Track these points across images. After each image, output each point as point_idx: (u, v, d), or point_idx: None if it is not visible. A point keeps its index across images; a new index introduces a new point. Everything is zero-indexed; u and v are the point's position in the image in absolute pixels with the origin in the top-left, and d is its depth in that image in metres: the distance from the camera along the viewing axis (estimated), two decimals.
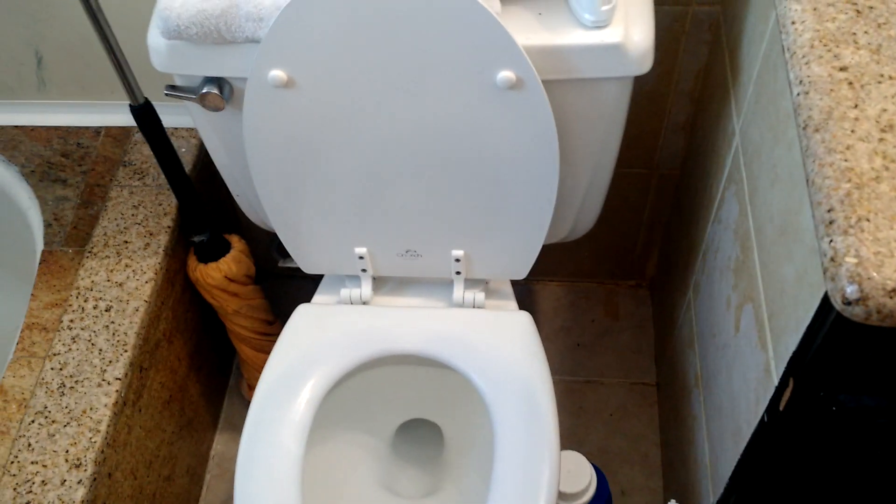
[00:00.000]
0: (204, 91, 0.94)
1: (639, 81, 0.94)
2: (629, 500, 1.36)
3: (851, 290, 0.50)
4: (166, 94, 0.96)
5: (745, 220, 0.90)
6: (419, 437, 1.25)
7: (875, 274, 0.49)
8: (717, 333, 1.02)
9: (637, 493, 1.37)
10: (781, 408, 0.76)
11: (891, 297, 0.49)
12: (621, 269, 1.59)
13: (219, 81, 0.95)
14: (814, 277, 0.67)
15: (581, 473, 1.11)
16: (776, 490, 0.89)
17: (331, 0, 0.82)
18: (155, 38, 0.92)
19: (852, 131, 0.56)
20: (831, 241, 0.52)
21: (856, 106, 0.57)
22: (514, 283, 1.15)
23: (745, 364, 0.88)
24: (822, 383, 0.71)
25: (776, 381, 0.77)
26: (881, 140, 0.55)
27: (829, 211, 0.53)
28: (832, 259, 0.51)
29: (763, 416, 0.80)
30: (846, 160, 0.54)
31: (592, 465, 1.13)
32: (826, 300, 0.63)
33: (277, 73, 0.88)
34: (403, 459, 1.22)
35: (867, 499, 0.87)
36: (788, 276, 0.74)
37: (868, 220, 0.51)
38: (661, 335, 1.47)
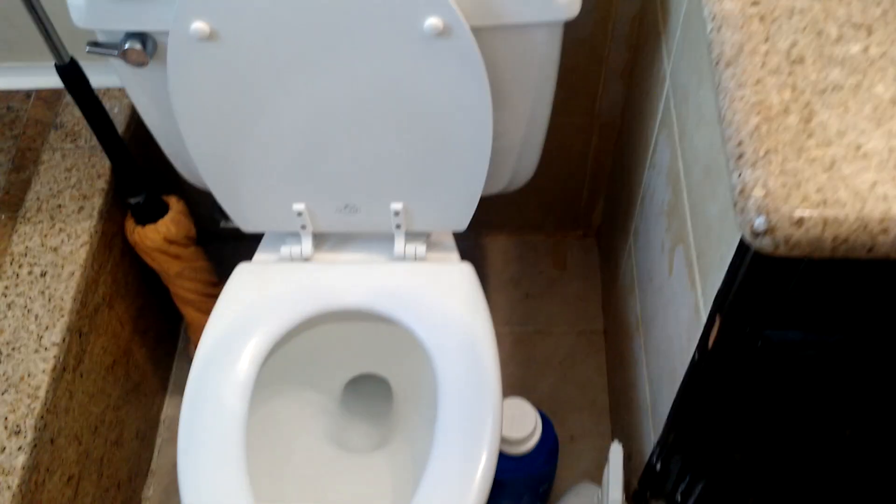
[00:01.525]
0: (126, 47, 0.91)
1: (573, 28, 0.93)
2: (578, 444, 1.39)
3: (759, 222, 0.50)
4: (88, 51, 0.94)
5: (675, 163, 0.91)
6: (368, 393, 1.25)
7: (782, 205, 0.50)
8: (654, 277, 1.03)
9: (586, 438, 1.40)
10: (710, 345, 0.77)
11: (798, 227, 0.50)
12: (568, 219, 1.60)
13: (142, 36, 0.92)
14: (734, 214, 0.67)
15: (525, 419, 1.12)
16: (712, 425, 0.91)
17: None
18: None
19: (762, 65, 0.56)
20: (740, 174, 0.53)
21: (766, 40, 0.57)
22: (462, 237, 1.15)
23: (677, 305, 0.90)
24: (747, 319, 0.72)
25: (704, 319, 0.78)
26: (790, 73, 0.56)
27: (738, 145, 0.54)
28: (741, 192, 0.52)
29: (694, 355, 0.82)
30: (756, 94, 0.55)
31: (538, 410, 1.14)
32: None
33: (199, 26, 0.86)
34: (352, 414, 1.23)
35: (798, 431, 0.89)
36: (713, 215, 0.75)
37: (776, 151, 0.52)
38: (607, 283, 1.49)
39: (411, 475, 1.12)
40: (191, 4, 0.84)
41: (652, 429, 1.05)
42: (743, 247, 0.66)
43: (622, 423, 1.29)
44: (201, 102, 0.94)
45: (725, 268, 0.70)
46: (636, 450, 1.14)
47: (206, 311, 1.34)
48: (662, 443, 1.00)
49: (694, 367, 0.83)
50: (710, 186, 0.75)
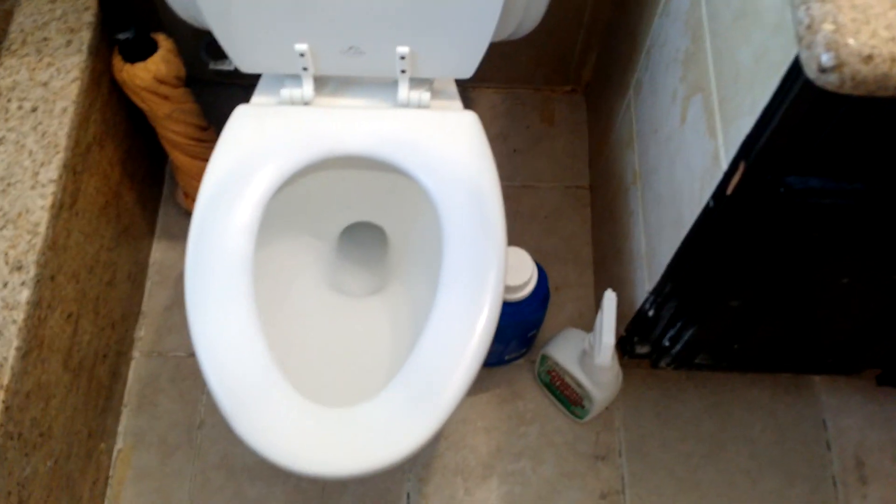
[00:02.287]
0: None
1: None
2: (563, 294, 1.43)
3: (827, 58, 0.51)
4: None
5: (697, 8, 0.90)
6: (363, 240, 1.26)
7: (851, 40, 0.50)
8: (660, 128, 1.04)
9: (570, 289, 1.43)
10: (729, 192, 0.79)
11: (866, 63, 0.50)
12: (558, 74, 1.58)
13: None
14: (774, 57, 0.67)
15: (523, 267, 1.14)
16: (714, 273, 0.94)
17: None
18: None
19: None
20: (808, 8, 0.52)
21: None
22: None
23: (690, 154, 0.90)
24: (773, 166, 0.73)
25: (725, 167, 0.79)
26: None
27: None
28: (808, 27, 0.52)
29: (708, 202, 0.84)
30: None
31: (534, 260, 1.16)
32: (788, 77, 0.65)
33: None
34: (349, 260, 1.24)
35: (798, 278, 0.93)
36: (745, 59, 0.75)
37: None
38: (596, 139, 1.49)
39: (409, 319, 1.14)
40: None
41: (647, 277, 1.08)
42: (783, 89, 0.66)
43: (609, 275, 1.32)
44: None
45: (758, 113, 0.71)
46: (625, 298, 1.17)
47: (195, 155, 1.33)
48: (658, 290, 1.04)
49: (707, 214, 0.85)
50: (743, 30, 0.75)
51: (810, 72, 0.52)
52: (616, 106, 1.31)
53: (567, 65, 1.55)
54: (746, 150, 0.74)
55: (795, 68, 0.63)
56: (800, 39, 0.53)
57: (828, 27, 0.51)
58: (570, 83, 1.60)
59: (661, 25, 1.05)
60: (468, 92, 1.61)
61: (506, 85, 1.61)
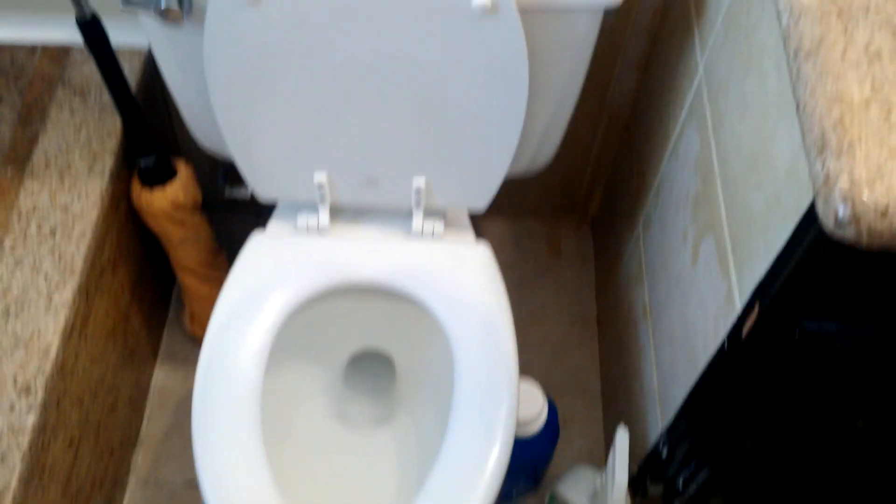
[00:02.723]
0: (164, 5, 0.90)
1: (604, 15, 0.94)
2: (571, 428, 1.40)
3: (843, 212, 0.52)
4: (122, 9, 0.92)
5: (707, 153, 0.92)
6: (371, 369, 1.25)
7: (867, 195, 0.51)
8: (671, 266, 1.05)
9: (578, 423, 1.41)
10: (744, 335, 0.79)
11: (882, 218, 0.51)
12: (565, 206, 1.61)
13: None
14: (787, 204, 0.69)
15: (534, 401, 1.13)
16: (728, 413, 0.93)
17: None
18: None
19: (842, 58, 0.57)
20: (824, 163, 0.54)
21: (844, 34, 0.59)
22: None
23: (702, 293, 0.91)
24: (788, 310, 0.74)
25: (739, 309, 0.79)
26: (870, 67, 0.57)
27: (821, 134, 0.55)
28: (825, 181, 0.53)
29: (723, 343, 0.83)
30: (837, 86, 0.56)
31: (544, 393, 1.15)
32: (802, 225, 0.66)
33: None
34: (355, 390, 1.23)
35: (812, 420, 0.91)
36: (757, 205, 0.76)
37: (860, 143, 0.53)
38: (603, 271, 1.50)
39: (415, 454, 1.12)
40: None
41: (659, 415, 1.06)
42: (798, 236, 0.67)
43: (619, 409, 1.31)
44: (234, 64, 0.93)
45: (772, 258, 0.72)
46: (637, 436, 1.15)
47: (205, 279, 1.33)
48: (672, 430, 1.02)
49: (722, 354, 0.84)
50: (755, 177, 0.77)
51: (827, 225, 0.53)
52: (624, 240, 1.33)
53: (574, 198, 1.59)
54: (761, 293, 0.75)
55: (809, 216, 0.64)
56: (816, 193, 0.54)
57: (844, 182, 0.52)
58: (577, 215, 1.63)
59: (669, 167, 1.07)
60: (476, 221, 1.64)
61: (514, 215, 1.64)
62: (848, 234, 0.52)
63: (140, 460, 1.35)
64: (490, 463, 0.94)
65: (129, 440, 1.33)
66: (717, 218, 0.87)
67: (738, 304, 0.79)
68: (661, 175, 1.12)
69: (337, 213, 1.14)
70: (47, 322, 1.00)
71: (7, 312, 1.00)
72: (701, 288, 0.92)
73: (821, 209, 0.54)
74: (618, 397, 1.32)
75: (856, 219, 0.52)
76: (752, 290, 0.76)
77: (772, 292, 0.73)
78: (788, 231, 0.68)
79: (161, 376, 1.44)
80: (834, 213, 0.53)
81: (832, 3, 0.60)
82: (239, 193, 1.29)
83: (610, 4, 0.90)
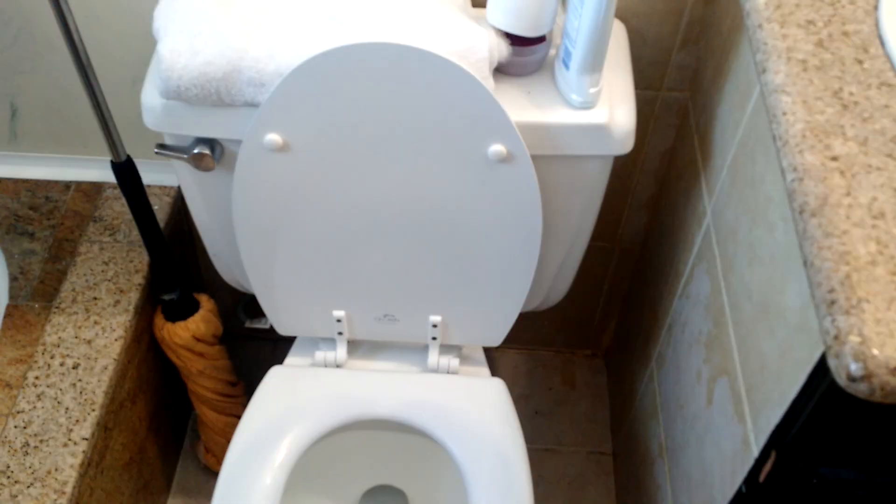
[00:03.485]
0: (196, 151, 0.94)
1: (615, 159, 0.98)
2: None
3: (856, 368, 0.53)
4: (157, 153, 0.96)
5: (718, 296, 0.94)
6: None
7: (878, 352, 0.53)
8: (686, 405, 1.05)
9: None
10: (762, 479, 0.79)
11: (894, 375, 0.52)
12: (578, 338, 1.62)
13: (210, 142, 0.96)
14: (799, 353, 0.70)
15: None
16: None
17: (332, 69, 0.85)
18: (151, 97, 0.93)
19: (847, 217, 0.60)
20: (834, 320, 0.55)
21: (848, 194, 0.62)
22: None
23: (718, 436, 0.91)
24: (806, 456, 0.74)
25: (756, 454, 0.80)
26: (874, 226, 0.59)
27: (829, 292, 0.57)
28: (836, 338, 0.55)
29: (741, 487, 0.83)
30: (843, 244, 0.58)
31: None
32: (815, 375, 0.67)
33: (274, 137, 0.89)
34: None
35: None
36: (770, 351, 0.78)
37: (868, 301, 0.55)
38: (618, 405, 1.50)
39: None
40: (269, 117, 0.88)
41: None
42: (811, 386, 0.68)
43: None
44: (261, 208, 0.97)
45: (787, 405, 0.72)
46: None
47: (223, 411, 1.34)
48: None
49: (740, 499, 0.84)
50: (767, 324, 0.79)
51: (840, 380, 0.55)
52: (638, 375, 1.33)
53: (588, 330, 1.60)
54: (777, 439, 0.75)
55: (821, 367, 0.65)
56: (828, 348, 0.56)
57: (854, 339, 0.54)
58: (591, 347, 1.64)
59: (681, 306, 1.09)
60: (490, 352, 1.65)
61: (528, 346, 1.65)
62: (861, 389, 0.54)
63: None
64: None
65: None
66: (730, 361, 0.89)
67: (755, 450, 0.80)
68: (672, 313, 1.14)
69: (354, 346, 1.15)
70: (65, 457, 1.01)
71: (26, 446, 1.01)
72: (717, 430, 0.92)
73: (833, 365, 0.55)
74: None
75: (868, 376, 0.53)
76: (767, 435, 0.76)
77: (788, 439, 0.73)
78: (802, 380, 0.69)
79: None
80: (846, 370, 0.54)
81: (834, 162, 0.64)
82: (259, 325, 1.31)
83: (620, 151, 0.95)
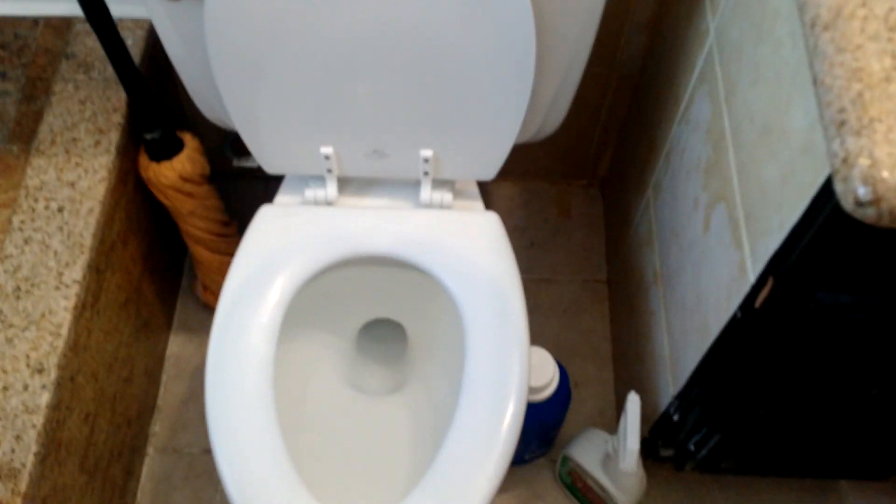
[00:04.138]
0: None
1: None
2: (583, 391, 1.41)
3: (864, 192, 0.51)
4: None
5: (719, 120, 0.91)
6: (382, 337, 1.25)
7: (888, 175, 0.50)
8: (682, 232, 1.04)
9: (590, 385, 1.42)
10: (758, 305, 0.78)
11: None
12: (574, 168, 1.60)
13: None
14: (803, 178, 0.68)
15: (545, 368, 1.13)
16: (741, 381, 0.93)
17: None
18: None
19: (861, 30, 0.56)
20: (842, 142, 0.53)
21: (864, 4, 0.57)
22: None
23: (715, 262, 0.90)
24: (803, 282, 0.73)
25: (752, 280, 0.79)
26: (889, 40, 0.55)
27: (839, 111, 0.54)
28: (844, 160, 0.52)
29: (736, 313, 0.83)
30: (856, 60, 0.55)
31: (555, 359, 1.15)
32: (818, 200, 0.65)
33: None
34: (367, 358, 1.23)
35: (828, 388, 0.91)
36: (771, 176, 0.75)
37: (880, 121, 0.52)
38: (613, 234, 1.50)
39: (429, 420, 1.13)
40: None
41: (670, 381, 1.07)
42: (812, 212, 0.66)
43: (630, 373, 1.31)
44: (236, 39, 0.91)
45: (786, 231, 0.71)
46: (648, 400, 1.16)
47: (217, 250, 1.33)
48: (683, 396, 1.02)
49: (735, 324, 0.84)
50: (769, 147, 0.76)
51: (847, 205, 0.52)
52: (634, 203, 1.31)
53: (584, 159, 1.57)
54: (775, 265, 0.74)
55: (826, 192, 0.63)
56: (835, 172, 0.53)
57: (864, 161, 0.51)
58: (587, 177, 1.62)
59: (680, 132, 1.06)
60: (485, 185, 1.63)
61: (522, 178, 1.63)
62: (868, 214, 0.52)
63: (158, 429, 1.37)
64: (504, 427, 0.94)
65: (146, 410, 1.34)
66: (729, 187, 0.86)
67: (752, 276, 0.79)
68: (671, 139, 1.11)
69: (345, 184, 1.13)
70: (58, 300, 1.00)
71: (18, 291, 1.01)
72: (713, 257, 0.91)
73: (839, 189, 0.53)
74: (629, 361, 1.32)
75: (877, 200, 0.51)
76: (765, 261, 0.75)
77: (786, 265, 0.72)
78: (804, 205, 0.67)
79: (176, 346, 1.45)
80: (853, 194, 0.52)
81: None
82: (248, 163, 1.28)
83: None
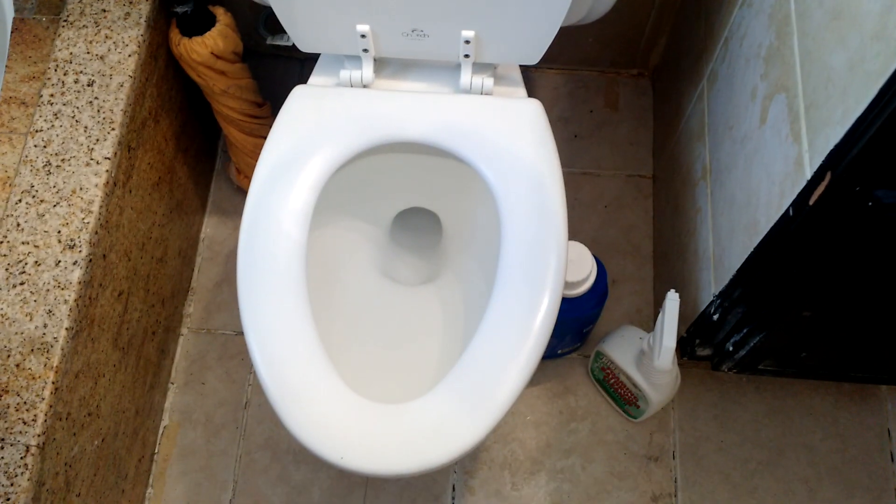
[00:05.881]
0: None
1: None
2: (620, 288, 1.38)
3: None
4: None
5: (784, 3, 0.84)
6: (417, 226, 1.23)
7: None
8: (736, 125, 0.98)
9: (628, 282, 1.39)
10: (812, 202, 0.74)
11: None
12: (624, 56, 1.52)
13: None
14: (872, 65, 0.62)
15: (583, 263, 1.10)
16: (788, 282, 0.89)
17: None
18: None
19: None
20: None
21: None
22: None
23: (769, 157, 0.85)
24: (863, 178, 0.68)
25: (809, 175, 0.74)
26: None
27: None
28: None
29: (788, 210, 0.79)
30: None
31: (593, 255, 1.12)
32: (886, 89, 0.60)
33: None
34: (401, 247, 1.21)
35: (876, 290, 0.87)
36: (837, 64, 0.69)
37: None
38: (662, 127, 1.43)
39: (462, 311, 1.11)
40: None
41: (713, 280, 1.03)
42: (878, 102, 0.61)
43: (670, 271, 1.28)
44: None
45: (849, 124, 0.66)
46: (688, 299, 1.13)
47: (249, 132, 1.30)
48: (725, 295, 0.99)
49: (786, 221, 0.80)
50: (837, 33, 0.69)
51: None
52: (686, 95, 1.25)
53: (635, 47, 1.49)
54: (834, 160, 0.69)
55: (895, 82, 0.58)
56: None
57: None
58: (637, 67, 1.54)
59: (741, 16, 0.99)
60: (528, 72, 1.56)
61: (569, 66, 1.56)
62: None
63: (192, 310, 1.37)
64: (536, 324, 0.92)
65: (181, 291, 1.34)
66: (790, 76, 0.80)
67: (808, 171, 0.74)
68: (731, 25, 1.03)
69: (382, 65, 1.08)
70: (89, 176, 0.99)
71: (48, 166, 0.99)
72: (768, 151, 0.86)
73: None
74: (670, 258, 1.29)
75: None
76: (824, 155, 0.70)
77: (846, 160, 0.67)
78: (871, 96, 0.61)
79: (210, 227, 1.44)
80: None
81: None
82: (282, 41, 1.23)
83: None
